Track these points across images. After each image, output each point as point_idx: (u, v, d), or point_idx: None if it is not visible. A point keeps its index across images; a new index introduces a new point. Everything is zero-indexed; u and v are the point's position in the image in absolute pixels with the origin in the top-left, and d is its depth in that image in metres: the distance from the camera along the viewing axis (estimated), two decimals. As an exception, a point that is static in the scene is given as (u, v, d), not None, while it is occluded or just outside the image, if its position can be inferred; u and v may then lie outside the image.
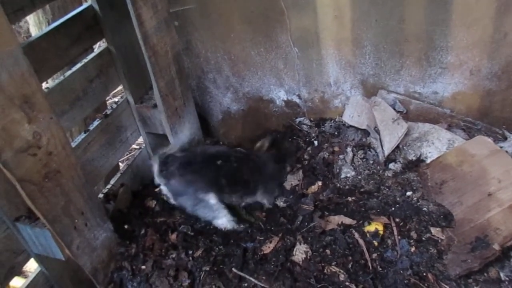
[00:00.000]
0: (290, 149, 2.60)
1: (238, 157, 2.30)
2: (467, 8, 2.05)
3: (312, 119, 2.76)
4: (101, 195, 2.26)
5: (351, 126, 2.57)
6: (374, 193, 2.25)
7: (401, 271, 1.87)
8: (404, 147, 2.36)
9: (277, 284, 1.87)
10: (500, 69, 2.17)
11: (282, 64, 2.56)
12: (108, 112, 2.26)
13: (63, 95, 1.96)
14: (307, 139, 2.67)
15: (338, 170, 2.42)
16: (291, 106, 2.76)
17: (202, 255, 2.03)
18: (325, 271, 1.91)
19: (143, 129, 2.48)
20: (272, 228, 2.18)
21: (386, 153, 2.33)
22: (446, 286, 1.80)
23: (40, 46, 1.80)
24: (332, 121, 2.70)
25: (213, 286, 1.90)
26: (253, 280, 1.89)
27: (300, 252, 1.99)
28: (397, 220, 2.07)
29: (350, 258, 1.95)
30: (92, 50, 2.27)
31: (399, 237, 2.00)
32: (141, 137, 2.56)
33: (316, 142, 2.62)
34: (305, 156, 2.57)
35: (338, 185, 2.36)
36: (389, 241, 2.00)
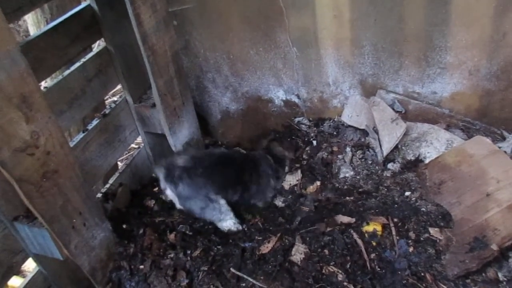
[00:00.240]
0: (290, 148, 2.59)
1: (240, 159, 2.35)
2: (466, 8, 2.05)
3: (311, 119, 2.76)
4: (99, 195, 2.26)
5: (350, 126, 2.57)
6: (373, 193, 2.25)
7: (399, 271, 1.87)
8: (403, 147, 2.36)
9: (275, 284, 1.87)
10: (499, 69, 2.17)
11: (281, 64, 2.56)
12: (107, 111, 2.26)
13: (62, 94, 1.96)
14: (306, 139, 2.67)
15: (336, 170, 2.42)
16: (290, 106, 2.75)
17: (200, 255, 2.03)
18: (324, 271, 1.91)
19: (141, 129, 2.48)
20: (271, 228, 2.18)
21: (385, 153, 2.34)
22: (444, 286, 1.81)
23: (38, 46, 1.80)
24: (331, 121, 2.70)
25: (211, 286, 1.90)
26: (251, 280, 1.89)
27: (298, 252, 1.99)
28: (396, 220, 2.08)
29: (348, 258, 1.95)
30: (91, 50, 2.27)
31: (397, 237, 2.00)
32: (140, 137, 2.56)
33: (315, 142, 2.62)
34: (304, 156, 2.58)
35: (337, 185, 2.36)
36: (388, 241, 2.00)
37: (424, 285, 1.81)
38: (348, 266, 1.92)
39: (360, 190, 2.30)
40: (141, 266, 1.98)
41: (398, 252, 1.95)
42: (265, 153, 2.45)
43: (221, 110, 2.92)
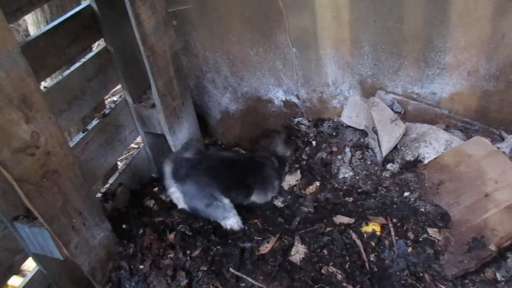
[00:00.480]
0: (291, 146, 2.60)
1: (246, 162, 2.41)
2: (465, 9, 2.05)
3: (310, 119, 2.76)
4: (99, 195, 2.26)
5: (349, 126, 2.57)
6: (372, 194, 2.26)
7: (398, 272, 1.88)
8: (402, 148, 2.37)
9: (275, 284, 1.87)
10: (498, 70, 2.17)
11: (281, 64, 2.57)
12: (107, 111, 2.26)
13: (61, 94, 1.97)
14: (305, 139, 2.68)
15: (336, 171, 2.42)
16: (289, 106, 2.76)
17: (200, 255, 2.03)
18: (323, 271, 1.91)
19: (141, 129, 2.48)
20: (270, 228, 2.19)
21: (384, 154, 2.34)
22: (442, 286, 1.81)
23: (38, 46, 1.80)
24: (330, 121, 2.70)
25: (211, 286, 1.90)
26: (250, 280, 1.90)
27: (297, 252, 2.00)
28: (395, 220, 2.08)
29: (347, 258, 1.95)
30: (91, 50, 2.27)
31: (396, 238, 2.00)
32: (139, 137, 2.56)
33: (314, 142, 2.63)
34: (303, 156, 2.58)
35: (336, 185, 2.37)
36: (386, 242, 2.01)
37: (422, 285, 1.82)
38: (347, 266, 1.92)
39: (359, 190, 2.30)
40: (141, 266, 1.99)
41: (397, 252, 1.95)
42: (270, 154, 2.46)
43: (220, 110, 2.92)
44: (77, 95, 2.05)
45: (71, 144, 2.02)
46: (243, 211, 2.30)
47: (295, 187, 2.41)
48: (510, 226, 1.81)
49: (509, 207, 1.85)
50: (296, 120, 2.79)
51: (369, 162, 2.40)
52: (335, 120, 2.69)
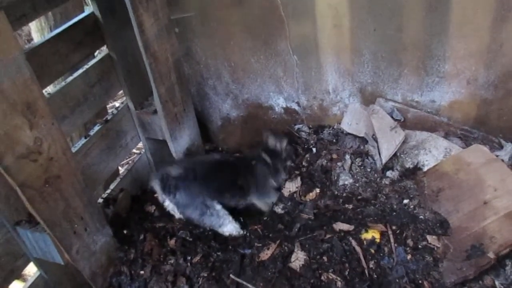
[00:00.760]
0: (282, 139, 2.59)
1: (233, 162, 2.40)
2: (464, 18, 2.07)
3: (310, 126, 2.78)
4: (100, 200, 2.27)
5: (349, 133, 2.59)
6: (372, 201, 2.26)
7: (397, 279, 1.88)
8: (402, 155, 2.38)
9: (274, 291, 1.88)
10: (497, 78, 2.19)
11: (282, 72, 2.59)
12: (109, 117, 2.28)
13: (64, 100, 1.99)
14: (306, 146, 2.69)
15: (336, 177, 2.43)
16: (290, 113, 2.78)
17: (200, 261, 2.04)
18: (322, 278, 1.92)
19: (143, 135, 2.50)
20: (270, 235, 2.19)
21: (384, 161, 2.35)
22: (441, 293, 1.82)
23: (42, 52, 1.83)
24: (331, 128, 2.72)
25: (211, 292, 1.91)
26: (250, 286, 1.91)
27: (297, 259, 2.00)
28: (394, 227, 2.09)
29: (347, 265, 1.96)
30: (93, 56, 2.30)
31: (395, 245, 2.01)
32: (141, 142, 2.58)
33: (314, 149, 2.64)
34: (304, 163, 2.59)
35: (336, 192, 2.38)
36: (386, 249, 2.01)
37: (422, 292, 1.83)
38: (346, 273, 1.93)
39: (359, 197, 2.31)
40: (142, 272, 2.00)
41: (396, 259, 1.96)
42: (261, 150, 2.46)
43: (221, 117, 2.94)
44: (79, 101, 2.07)
45: (73, 150, 2.03)
46: (243, 216, 2.31)
47: (295, 194, 2.41)
48: (508, 234, 1.82)
49: (507, 215, 1.86)
50: (297, 127, 2.80)
51: (369, 169, 2.41)
52: (335, 127, 2.70)
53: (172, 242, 2.16)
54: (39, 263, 1.82)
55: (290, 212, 2.33)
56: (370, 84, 2.47)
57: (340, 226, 2.14)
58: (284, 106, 2.75)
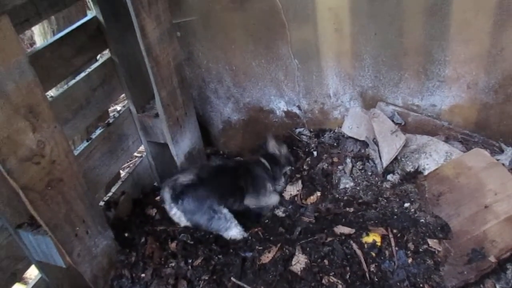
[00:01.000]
0: (282, 145, 2.61)
1: (234, 167, 2.42)
2: (465, 23, 2.08)
3: (311, 130, 2.79)
4: (102, 203, 2.28)
5: (350, 137, 2.60)
6: (372, 204, 2.27)
7: (398, 282, 1.88)
8: (402, 159, 2.39)
9: (275, 294, 1.88)
10: (497, 83, 2.20)
11: (283, 76, 2.60)
12: (110, 121, 2.29)
13: (67, 104, 2.00)
14: (307, 150, 2.70)
15: (337, 181, 2.44)
16: (291, 117, 2.79)
17: (201, 264, 2.04)
18: (323, 281, 1.92)
19: (144, 138, 2.51)
20: (271, 238, 2.20)
21: (385, 165, 2.36)
22: (442, 297, 1.82)
23: (45, 56, 1.84)
24: (332, 132, 2.73)
25: (212, 295, 1.91)
26: (251, 289, 1.91)
27: (298, 262, 2.01)
28: (395, 231, 2.09)
29: (348, 268, 1.96)
30: (96, 60, 2.31)
31: (396, 248, 2.01)
32: (142, 146, 2.59)
33: (315, 153, 2.65)
34: (305, 167, 2.60)
35: (337, 195, 2.38)
36: (387, 252, 2.01)
37: (422, 296, 1.83)
38: (347, 276, 1.93)
39: (360, 201, 2.32)
40: (143, 275, 2.00)
41: (397, 263, 1.96)
42: (261, 155, 2.48)
43: (223, 120, 2.95)
44: (82, 104, 2.08)
45: (75, 153, 2.04)
46: (244, 219, 2.32)
47: (296, 197, 2.42)
48: (509, 238, 1.83)
49: (508, 218, 1.87)
50: (298, 130, 2.81)
51: (369, 173, 2.42)
52: (336, 131, 2.71)
53: (173, 245, 2.16)
54: (41, 266, 1.82)
55: (291, 215, 2.33)
56: (371, 88, 2.48)
57: (341, 229, 2.14)
58: (285, 109, 2.76)
